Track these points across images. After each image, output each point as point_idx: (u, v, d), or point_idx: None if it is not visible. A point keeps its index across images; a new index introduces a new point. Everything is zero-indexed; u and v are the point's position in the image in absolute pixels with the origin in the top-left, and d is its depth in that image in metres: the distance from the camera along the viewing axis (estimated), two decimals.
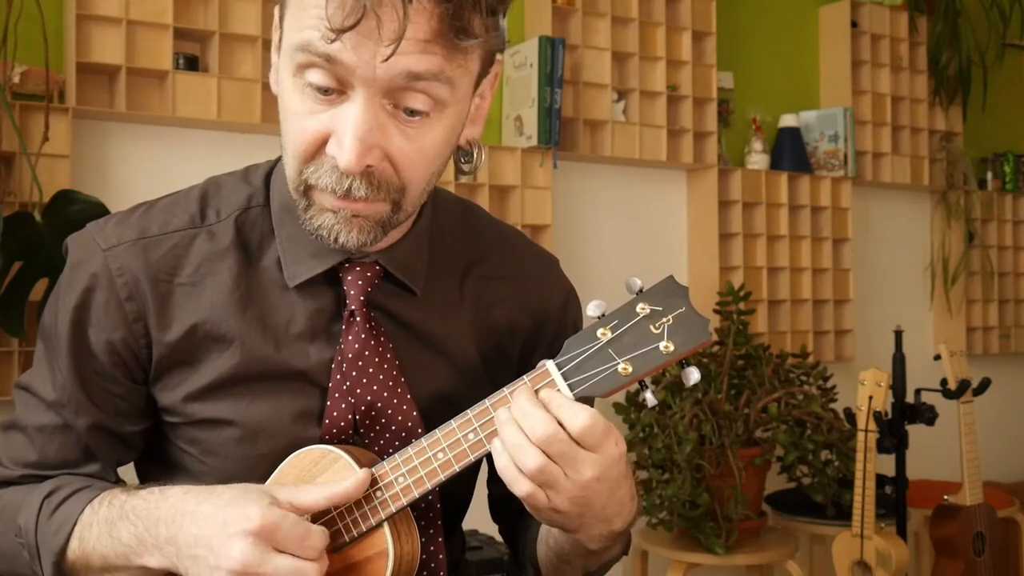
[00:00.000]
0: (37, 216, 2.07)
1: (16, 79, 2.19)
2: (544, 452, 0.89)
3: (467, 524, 1.23)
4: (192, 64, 2.39)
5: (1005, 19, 3.97)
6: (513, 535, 1.24)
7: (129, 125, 2.39)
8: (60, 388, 1.03)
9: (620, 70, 3.07)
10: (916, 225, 4.00)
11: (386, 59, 0.86)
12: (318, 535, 0.90)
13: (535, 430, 0.89)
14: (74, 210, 2.07)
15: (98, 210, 2.08)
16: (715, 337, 2.78)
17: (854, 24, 3.63)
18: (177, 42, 2.36)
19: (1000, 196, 4.11)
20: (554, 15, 2.91)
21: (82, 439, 1.04)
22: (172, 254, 1.02)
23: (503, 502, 1.21)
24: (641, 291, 0.93)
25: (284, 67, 0.93)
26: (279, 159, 1.09)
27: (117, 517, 0.96)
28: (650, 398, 0.93)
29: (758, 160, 3.39)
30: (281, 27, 0.95)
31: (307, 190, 0.95)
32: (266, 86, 2.43)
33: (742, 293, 2.86)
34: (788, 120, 3.48)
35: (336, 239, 0.95)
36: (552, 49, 2.81)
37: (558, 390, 0.91)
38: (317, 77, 0.89)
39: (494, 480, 1.20)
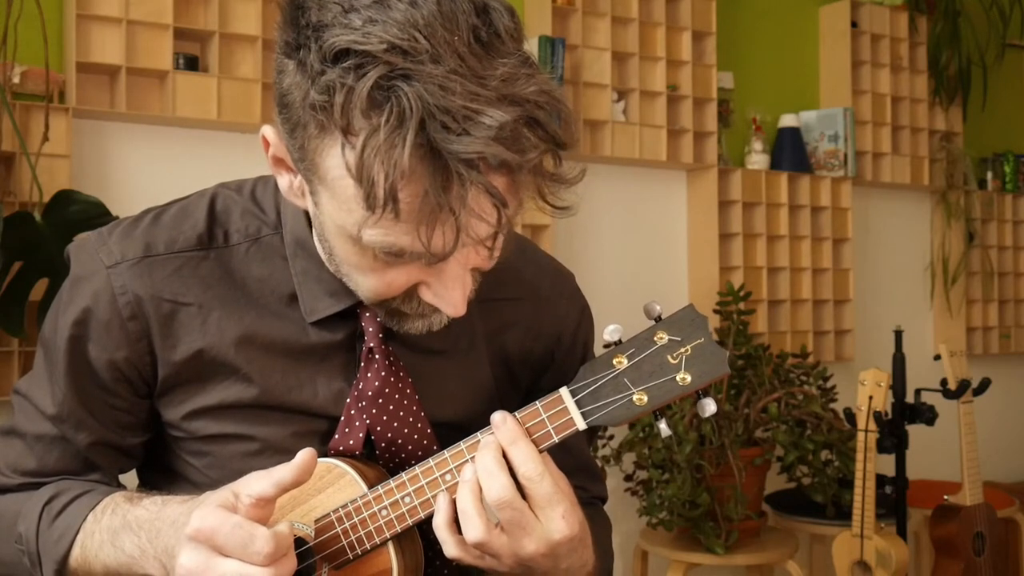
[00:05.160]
0: (37, 216, 2.07)
1: (16, 79, 2.19)
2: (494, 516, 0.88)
3: None
4: (192, 64, 2.39)
5: (1005, 19, 3.97)
6: None
7: (129, 125, 2.38)
8: (59, 404, 1.02)
9: (620, 70, 3.07)
10: (916, 225, 4.00)
11: (489, 256, 0.87)
12: (263, 539, 0.83)
13: (491, 492, 0.88)
14: (74, 210, 2.08)
15: (98, 210, 2.08)
16: (716, 336, 2.78)
17: (854, 24, 3.63)
18: (177, 42, 2.36)
19: (1000, 196, 4.11)
20: (554, 15, 2.91)
21: (82, 452, 1.03)
22: (177, 275, 0.99)
23: None
24: (659, 318, 0.90)
25: (340, 233, 0.87)
26: None
27: (120, 527, 0.95)
28: (664, 428, 0.91)
29: (758, 160, 3.39)
30: (311, 190, 0.87)
31: (396, 311, 0.93)
32: (267, 86, 2.43)
33: (742, 293, 2.86)
34: (788, 120, 3.48)
35: (431, 328, 0.94)
36: (552, 49, 2.81)
37: (571, 418, 0.91)
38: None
39: None
